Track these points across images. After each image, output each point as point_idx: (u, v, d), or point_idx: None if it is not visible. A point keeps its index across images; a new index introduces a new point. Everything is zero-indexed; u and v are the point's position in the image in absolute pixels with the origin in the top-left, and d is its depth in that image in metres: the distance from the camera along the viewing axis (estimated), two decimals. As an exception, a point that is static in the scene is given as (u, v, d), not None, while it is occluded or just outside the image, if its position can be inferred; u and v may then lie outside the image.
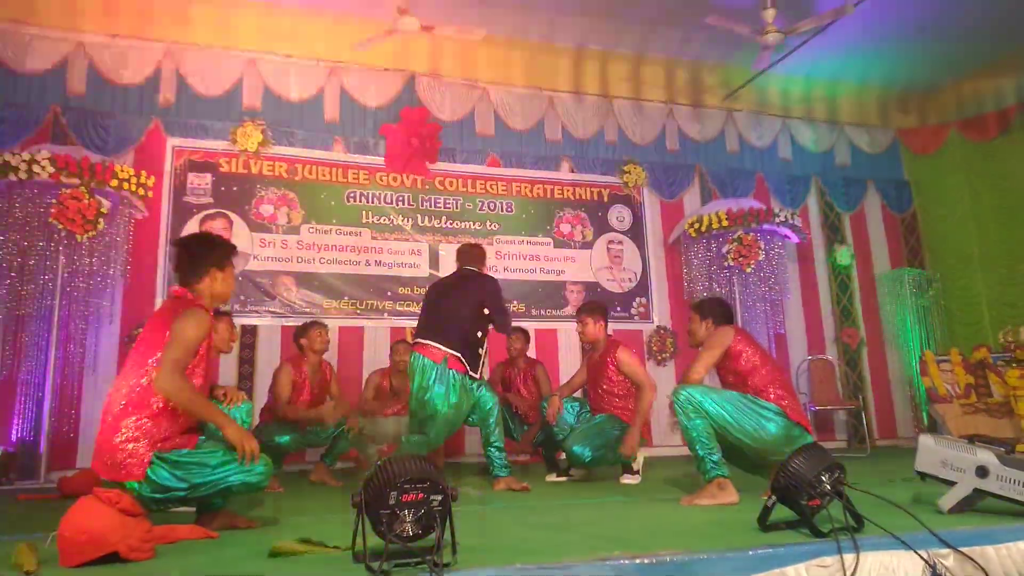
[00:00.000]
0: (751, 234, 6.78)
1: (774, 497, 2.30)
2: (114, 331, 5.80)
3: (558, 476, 4.64)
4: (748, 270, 6.75)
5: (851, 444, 7.23)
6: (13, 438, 5.21)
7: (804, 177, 7.98)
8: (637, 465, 4.41)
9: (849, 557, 2.04)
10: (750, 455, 3.37)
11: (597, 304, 4.90)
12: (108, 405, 2.57)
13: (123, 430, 2.46)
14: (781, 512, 2.31)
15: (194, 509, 2.67)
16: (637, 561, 1.91)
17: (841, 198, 8.05)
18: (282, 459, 4.74)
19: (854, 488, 2.28)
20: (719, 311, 3.75)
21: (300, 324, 5.16)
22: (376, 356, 6.28)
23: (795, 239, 7.24)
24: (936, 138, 8.09)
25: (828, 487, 2.25)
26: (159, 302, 5.97)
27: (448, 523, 1.95)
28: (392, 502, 1.88)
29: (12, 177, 5.13)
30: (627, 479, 4.36)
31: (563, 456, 4.65)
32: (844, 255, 7.84)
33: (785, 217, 6.94)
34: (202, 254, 2.77)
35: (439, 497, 1.92)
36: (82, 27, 6.04)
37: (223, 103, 6.38)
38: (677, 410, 3.25)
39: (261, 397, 5.78)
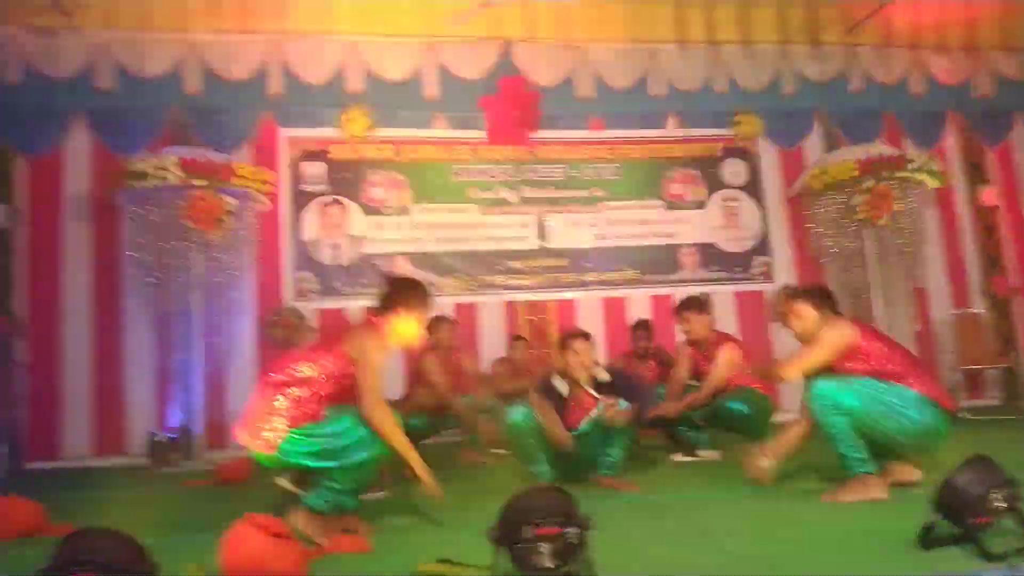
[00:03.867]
0: (884, 183, 6.25)
1: (937, 515, 2.13)
2: (249, 320, 6.14)
3: (684, 456, 4.52)
4: (881, 222, 6.25)
5: (1006, 404, 6.66)
6: (172, 424, 5.69)
7: (940, 113, 7.24)
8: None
9: (1028, 587, 1.86)
10: (897, 445, 3.14)
11: (697, 299, 4.69)
12: (265, 381, 2.83)
13: (272, 407, 2.69)
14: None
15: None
16: (791, 596, 1.82)
17: (984, 132, 7.28)
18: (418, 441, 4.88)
19: (1031, 506, 2.07)
20: (831, 302, 3.42)
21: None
22: (491, 331, 6.35)
23: (932, 185, 6.62)
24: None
25: (1001, 505, 2.05)
26: (288, 289, 6.28)
27: (586, 553, 1.93)
28: (527, 536, 1.87)
29: (146, 183, 5.46)
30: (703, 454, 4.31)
31: (688, 433, 4.54)
32: (990, 196, 7.11)
33: (921, 163, 6.34)
34: (394, 292, 3.01)
35: (575, 529, 1.90)
36: (192, 27, 6.25)
37: (328, 89, 6.46)
38: (814, 409, 3.06)
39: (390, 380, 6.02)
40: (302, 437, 2.66)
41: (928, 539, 2.13)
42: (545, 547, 1.88)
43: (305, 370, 2.77)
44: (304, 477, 2.81)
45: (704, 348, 4.47)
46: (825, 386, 3.05)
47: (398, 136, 6.63)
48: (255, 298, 6.19)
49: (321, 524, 2.66)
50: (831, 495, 3.03)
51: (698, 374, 4.49)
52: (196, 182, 5.54)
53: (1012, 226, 7.22)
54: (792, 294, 3.57)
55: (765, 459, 3.29)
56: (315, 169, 6.49)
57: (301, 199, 6.42)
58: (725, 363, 4.30)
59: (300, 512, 2.67)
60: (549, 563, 1.88)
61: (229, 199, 5.67)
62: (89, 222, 6.01)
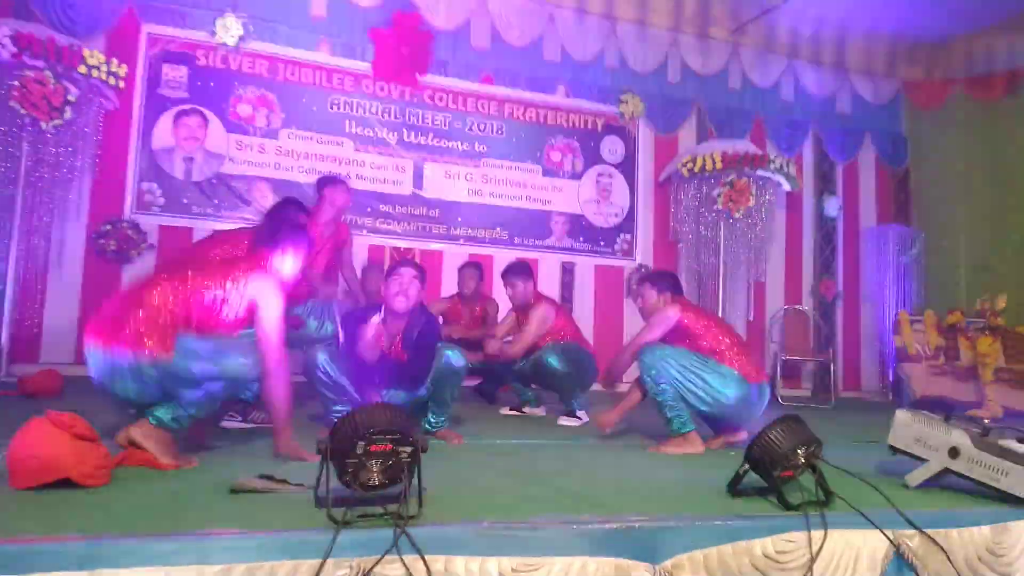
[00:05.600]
0: (744, 179, 6.64)
1: (746, 465, 2.28)
2: (81, 226, 5.57)
3: (511, 410, 4.62)
4: (737, 215, 6.64)
5: (816, 395, 7.36)
6: (-28, 329, 5.06)
7: (803, 122, 7.78)
8: (582, 410, 4.35)
9: (816, 534, 2.03)
10: (710, 415, 3.43)
11: (523, 264, 4.76)
12: (148, 299, 2.46)
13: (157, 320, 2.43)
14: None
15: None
16: (606, 526, 1.88)
17: (837, 147, 7.90)
18: None
19: (828, 464, 2.26)
20: (674, 285, 3.74)
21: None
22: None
23: (787, 187, 7.12)
24: (940, 93, 7.89)
25: (802, 460, 2.23)
26: (129, 199, 5.75)
27: (416, 475, 1.89)
28: (360, 452, 1.81)
29: (-31, 54, 4.76)
30: (566, 421, 4.26)
31: (506, 391, 4.79)
32: (832, 207, 7.76)
33: (780, 164, 6.80)
34: (282, 231, 2.90)
35: (408, 449, 1.86)
36: None
37: (204, -11, 5.95)
38: (645, 380, 3.35)
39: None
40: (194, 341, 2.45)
41: (737, 488, 2.29)
42: (376, 463, 1.82)
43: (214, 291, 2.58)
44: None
45: (526, 312, 4.50)
46: (650, 359, 3.31)
47: (275, 52, 6.20)
48: (89, 204, 5.60)
49: (167, 441, 2.40)
50: (656, 447, 3.32)
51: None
52: (33, 61, 4.90)
53: (846, 237, 7.92)
54: (641, 277, 3.90)
55: (609, 416, 3.52)
56: (177, 73, 5.93)
57: (157, 103, 5.86)
58: (538, 319, 4.38)
59: (143, 426, 2.38)
60: (377, 480, 1.83)
61: (71, 87, 5.06)
62: None
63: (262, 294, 2.65)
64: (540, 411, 4.66)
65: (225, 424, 3.40)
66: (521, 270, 4.64)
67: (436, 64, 6.61)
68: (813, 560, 1.98)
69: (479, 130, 6.81)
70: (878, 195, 8.09)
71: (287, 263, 2.85)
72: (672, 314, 3.52)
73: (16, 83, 4.88)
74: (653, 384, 3.31)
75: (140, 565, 1.48)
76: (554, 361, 4.24)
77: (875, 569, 2.07)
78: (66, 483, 1.94)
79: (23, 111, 4.91)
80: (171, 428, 2.41)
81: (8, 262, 5.04)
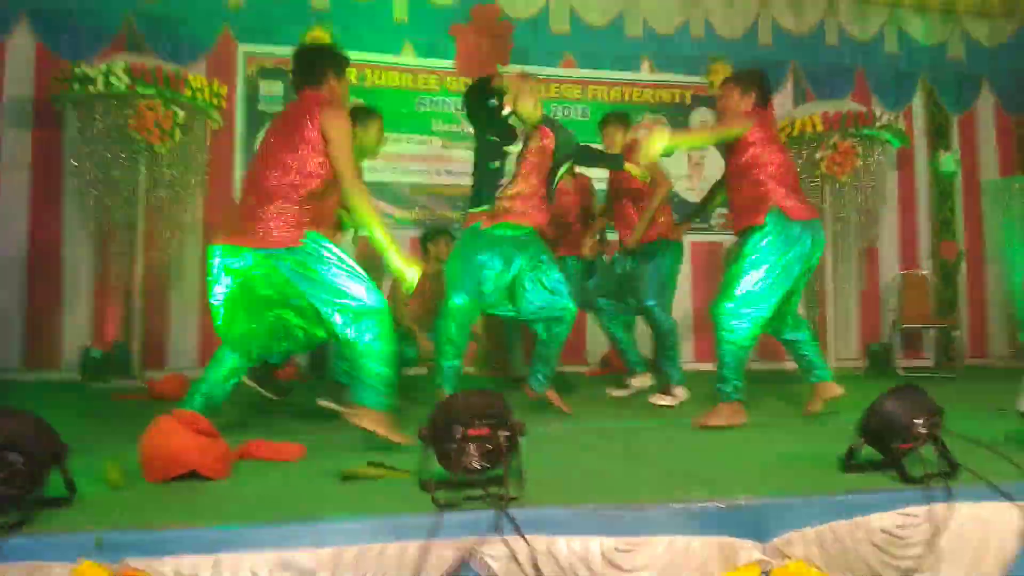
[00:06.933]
0: (848, 140, 6.26)
1: (861, 439, 2.16)
2: (196, 240, 5.95)
3: (619, 391, 4.51)
4: (843, 179, 6.28)
5: (940, 363, 6.87)
6: (108, 340, 5.55)
7: (911, 74, 7.25)
8: (680, 390, 4.15)
9: (941, 507, 1.91)
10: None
11: (622, 113, 4.73)
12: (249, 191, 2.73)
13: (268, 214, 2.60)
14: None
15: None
16: (715, 505, 1.84)
17: (951, 98, 7.31)
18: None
19: (952, 434, 2.11)
20: (764, 89, 3.48)
21: (430, 228, 5.40)
22: (448, 266, 6.27)
23: (896, 145, 6.66)
24: (1070, 27, 7.16)
25: (922, 431, 2.09)
26: (237, 211, 6.09)
27: (515, 457, 1.92)
28: (458, 436, 1.85)
29: (91, 89, 5.18)
30: (661, 400, 4.06)
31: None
32: (948, 162, 7.20)
33: (887, 121, 6.36)
34: (319, 60, 2.82)
35: (506, 432, 1.88)
36: (148, -71, 5.90)
37: (291, 5, 6.22)
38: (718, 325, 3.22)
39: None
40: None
41: (851, 462, 2.18)
42: (474, 448, 1.86)
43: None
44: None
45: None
46: (727, 306, 3.19)
47: (363, 59, 6.39)
48: (203, 217, 5.99)
49: (387, 421, 2.62)
50: (698, 420, 3.23)
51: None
52: (145, 91, 5.27)
53: (966, 193, 7.33)
54: (729, 77, 3.66)
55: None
56: (274, 88, 6.23)
57: (258, 118, 6.18)
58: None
59: (363, 413, 2.61)
60: (477, 464, 1.87)
61: (179, 111, 5.42)
62: (29, 128, 5.71)
63: (328, 123, 2.61)
64: (647, 379, 4.53)
65: (322, 403, 3.50)
66: (617, 117, 4.61)
67: (517, 53, 6.61)
68: (937, 534, 1.86)
69: (564, 115, 6.74)
70: (1000, 145, 7.43)
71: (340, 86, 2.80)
72: (741, 125, 3.30)
73: (131, 111, 5.27)
74: (720, 338, 3.20)
75: (260, 548, 1.57)
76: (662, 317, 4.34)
77: (1010, 545, 1.92)
78: (193, 475, 2.09)
79: (139, 137, 5.30)
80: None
81: (134, 278, 5.47)
